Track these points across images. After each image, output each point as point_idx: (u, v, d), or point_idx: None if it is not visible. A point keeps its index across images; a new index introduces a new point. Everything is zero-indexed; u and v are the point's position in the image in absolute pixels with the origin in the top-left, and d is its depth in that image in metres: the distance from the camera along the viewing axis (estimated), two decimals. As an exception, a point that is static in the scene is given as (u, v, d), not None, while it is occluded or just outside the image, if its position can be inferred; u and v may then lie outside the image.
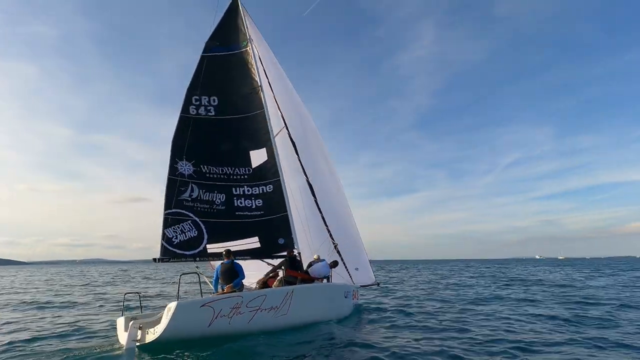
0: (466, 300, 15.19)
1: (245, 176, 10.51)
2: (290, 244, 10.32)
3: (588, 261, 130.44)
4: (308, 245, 11.47)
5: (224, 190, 10.29)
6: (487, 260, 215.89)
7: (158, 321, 7.34)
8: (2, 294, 20.49)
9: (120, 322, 7.71)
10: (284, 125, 11.76)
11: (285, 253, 10.17)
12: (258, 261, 10.94)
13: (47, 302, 15.58)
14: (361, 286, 13.08)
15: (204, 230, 9.89)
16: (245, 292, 8.23)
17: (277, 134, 11.54)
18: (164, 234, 9.59)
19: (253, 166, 10.60)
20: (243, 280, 8.56)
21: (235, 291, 8.05)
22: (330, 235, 11.81)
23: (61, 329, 9.51)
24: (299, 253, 10.37)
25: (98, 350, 7.08)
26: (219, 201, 10.17)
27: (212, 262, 10.20)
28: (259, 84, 11.26)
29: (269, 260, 10.78)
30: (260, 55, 11.96)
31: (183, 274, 8.34)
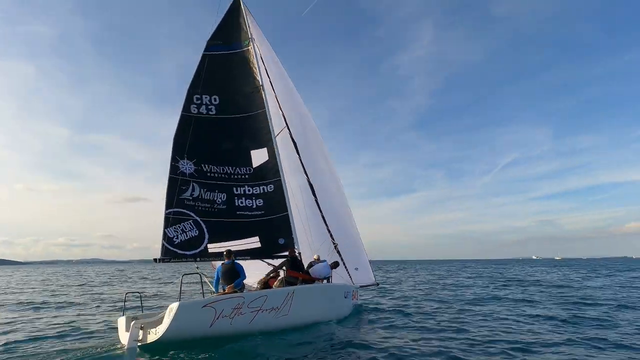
0: (464, 301, 15.27)
1: (246, 176, 10.55)
2: (290, 244, 10.37)
3: (585, 262, 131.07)
4: (308, 245, 11.52)
5: (225, 190, 10.31)
6: (484, 261, 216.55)
7: (159, 321, 7.39)
8: (-2, 294, 20.39)
9: (121, 321, 7.73)
10: (285, 125, 11.76)
11: (286, 253, 10.21)
12: (258, 261, 10.90)
13: (43, 303, 15.56)
14: (361, 286, 13.10)
15: (205, 230, 9.91)
16: (246, 292, 8.29)
17: (278, 134, 11.55)
18: (164, 234, 9.59)
19: (254, 166, 10.64)
20: (244, 280, 8.60)
21: (236, 291, 8.11)
22: (331, 235, 11.85)
23: (58, 329, 9.55)
24: (299, 253, 10.42)
25: (99, 350, 7.12)
26: (220, 200, 10.19)
27: (213, 263, 10.16)
28: (261, 83, 11.31)
29: (269, 261, 10.74)
30: (262, 54, 11.98)
31: (185, 274, 8.35)
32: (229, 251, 8.86)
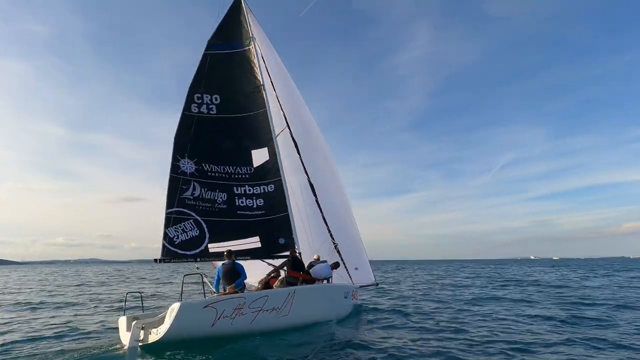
0: (463, 301, 15.33)
1: (247, 175, 10.60)
2: (290, 243, 10.44)
3: (582, 262, 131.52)
4: (309, 245, 11.54)
5: (225, 189, 10.36)
6: (482, 261, 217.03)
7: (160, 321, 7.44)
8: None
9: (122, 321, 7.76)
10: (285, 124, 11.77)
11: (287, 253, 10.26)
12: (258, 261, 10.91)
13: (41, 303, 15.53)
14: (360, 286, 13.14)
15: (206, 230, 9.95)
16: (247, 293, 8.35)
17: (279, 134, 11.57)
18: (165, 234, 9.61)
19: (254, 165, 10.69)
20: (245, 280, 8.65)
21: (237, 292, 8.16)
22: (331, 235, 11.87)
23: (57, 330, 9.58)
24: (299, 253, 10.44)
25: (100, 350, 7.16)
26: (221, 200, 10.24)
27: (214, 263, 10.17)
28: (261, 82, 11.35)
29: (270, 261, 10.76)
30: (263, 53, 12.00)
31: (186, 274, 8.37)
32: (229, 251, 8.90)
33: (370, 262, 14.20)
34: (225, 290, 8.38)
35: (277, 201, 10.57)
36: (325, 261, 10.72)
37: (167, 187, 9.96)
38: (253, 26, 11.86)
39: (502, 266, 71.73)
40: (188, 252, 9.69)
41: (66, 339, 8.53)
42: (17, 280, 35.87)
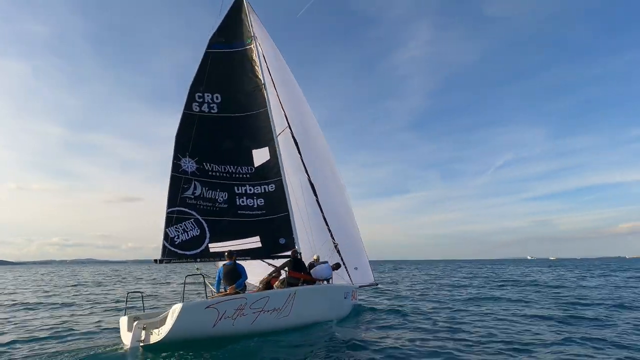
0: (461, 301, 15.42)
1: (248, 175, 10.63)
2: (291, 244, 10.49)
3: (579, 262, 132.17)
4: (309, 245, 11.57)
5: (226, 189, 10.39)
6: (480, 261, 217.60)
7: (162, 321, 7.48)
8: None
9: (123, 321, 7.80)
10: (287, 124, 11.79)
11: (287, 253, 10.31)
12: (258, 261, 10.91)
13: (38, 303, 15.46)
14: (360, 286, 13.19)
15: (207, 229, 9.97)
16: (249, 293, 8.40)
17: (280, 134, 11.58)
18: (165, 234, 9.61)
19: (255, 165, 10.72)
20: (245, 280, 8.69)
21: (238, 292, 8.21)
22: (331, 235, 11.90)
23: (55, 330, 9.59)
24: (300, 253, 10.45)
25: (101, 350, 7.19)
26: (222, 199, 10.27)
27: (217, 263, 10.17)
28: (263, 81, 11.36)
29: (270, 261, 10.77)
30: (265, 53, 12.01)
31: (188, 275, 8.36)
32: (230, 252, 8.93)
33: (369, 262, 14.22)
34: (226, 290, 8.41)
35: (278, 201, 10.61)
36: (326, 262, 10.77)
37: (167, 186, 9.95)
38: (255, 25, 11.88)
39: (500, 266, 72.00)
40: (188, 252, 9.70)
41: (64, 339, 8.55)
42: (12, 280, 35.70)
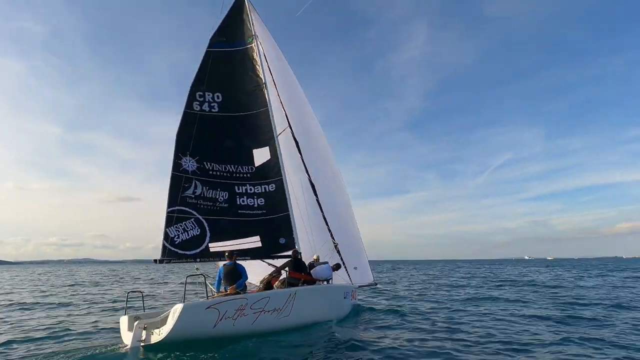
0: (459, 301, 15.46)
1: (248, 174, 10.64)
2: (291, 243, 10.52)
3: (576, 262, 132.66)
4: (309, 245, 11.57)
5: (226, 188, 10.41)
6: (477, 261, 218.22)
7: (162, 321, 7.50)
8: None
9: (124, 321, 7.82)
10: (287, 124, 11.79)
11: (287, 253, 10.34)
12: (258, 262, 10.88)
13: (35, 303, 15.42)
14: (359, 286, 13.19)
15: (207, 229, 9.98)
16: (249, 294, 8.43)
17: (280, 133, 11.57)
18: (166, 234, 9.60)
19: (256, 165, 10.73)
20: (246, 281, 8.72)
21: (238, 292, 8.24)
22: (331, 235, 11.90)
23: (52, 330, 9.59)
24: (300, 253, 10.46)
25: (102, 350, 7.20)
26: (222, 199, 10.29)
27: (218, 263, 10.14)
28: (264, 81, 11.38)
29: (270, 261, 10.78)
30: (266, 52, 12.05)
31: (189, 275, 8.37)
32: (230, 252, 8.94)
33: (368, 262, 14.20)
34: (226, 290, 8.42)
35: (278, 201, 10.63)
36: (326, 262, 10.77)
37: (165, 186, 9.94)
38: (256, 24, 11.90)
39: (498, 266, 72.20)
40: (188, 252, 9.70)
41: (62, 339, 8.55)
42: (9, 280, 35.56)
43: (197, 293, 16.13)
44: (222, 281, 8.65)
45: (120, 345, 7.38)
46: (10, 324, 10.68)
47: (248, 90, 11.17)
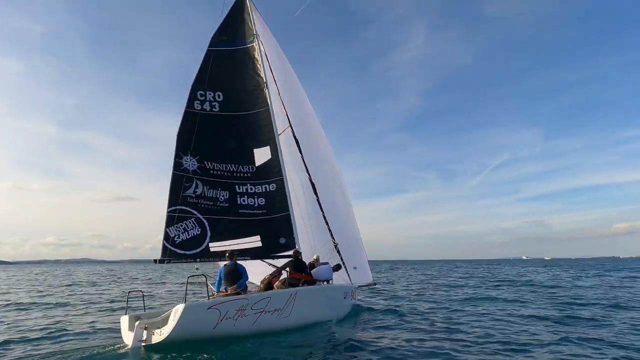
0: (457, 301, 15.49)
1: (249, 174, 10.67)
2: (291, 243, 10.55)
3: (574, 261, 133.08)
4: (309, 245, 11.58)
5: (227, 188, 10.44)
6: (475, 261, 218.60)
7: (163, 321, 7.53)
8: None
9: (124, 320, 7.85)
10: (288, 124, 11.79)
11: (287, 253, 10.39)
12: (260, 262, 10.86)
13: (32, 303, 15.37)
14: (359, 286, 13.21)
15: (208, 228, 10.00)
16: (250, 294, 8.46)
17: (281, 133, 11.57)
18: (166, 233, 9.60)
19: (257, 164, 10.77)
20: (247, 281, 8.75)
21: (239, 292, 8.28)
22: (332, 235, 11.90)
23: (51, 330, 9.57)
24: (300, 253, 10.46)
25: (103, 350, 7.22)
26: (223, 198, 10.32)
27: (218, 263, 10.13)
28: (265, 80, 11.39)
29: (270, 261, 10.81)
30: (267, 51, 12.06)
31: (190, 276, 8.34)
32: (231, 252, 8.93)
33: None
34: (226, 291, 8.43)
35: (279, 200, 10.68)
36: (327, 263, 10.77)
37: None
38: (257, 23, 11.91)
39: (495, 266, 72.35)
40: (188, 252, 9.71)
41: (59, 339, 8.53)
42: (6, 280, 35.43)
43: (194, 293, 16.10)
44: (223, 281, 8.67)
45: (121, 345, 7.40)
46: (7, 324, 10.64)
47: (249, 90, 11.20)
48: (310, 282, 10.05)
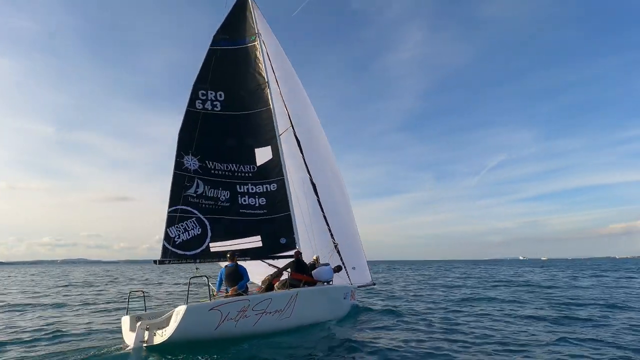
0: (455, 301, 15.56)
1: (250, 174, 10.68)
2: (292, 243, 10.57)
3: (570, 262, 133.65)
4: (310, 245, 11.56)
5: (228, 187, 10.45)
6: (472, 261, 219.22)
7: (164, 322, 7.55)
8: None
9: (125, 321, 7.84)
10: (290, 124, 11.80)
11: (288, 253, 10.42)
12: (260, 262, 10.83)
13: (27, 304, 15.26)
14: (358, 286, 13.25)
15: (208, 228, 10.00)
16: (251, 295, 8.49)
17: (282, 133, 11.57)
18: (166, 233, 9.59)
19: (258, 164, 10.77)
20: (248, 282, 8.79)
21: (240, 293, 8.31)
22: (332, 235, 11.92)
23: (44, 331, 9.55)
24: (300, 253, 10.47)
25: (104, 350, 7.24)
26: (224, 198, 10.34)
27: (220, 264, 10.09)
28: (266, 79, 11.38)
29: (271, 261, 10.82)
30: (269, 50, 12.08)
31: (192, 277, 8.35)
32: (232, 253, 8.93)
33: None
34: (227, 292, 8.46)
35: (279, 200, 10.70)
36: (327, 264, 10.77)
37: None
38: (259, 22, 11.90)
39: (493, 267, 72.55)
40: (188, 253, 9.70)
41: (61, 340, 8.50)
42: (1, 280, 35.22)
43: (196, 294, 16.02)
44: (224, 282, 8.69)
45: (123, 346, 7.42)
46: (3, 325, 10.57)
47: (251, 89, 11.20)
48: (311, 283, 10.10)
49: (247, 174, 10.60)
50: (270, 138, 10.95)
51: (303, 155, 11.87)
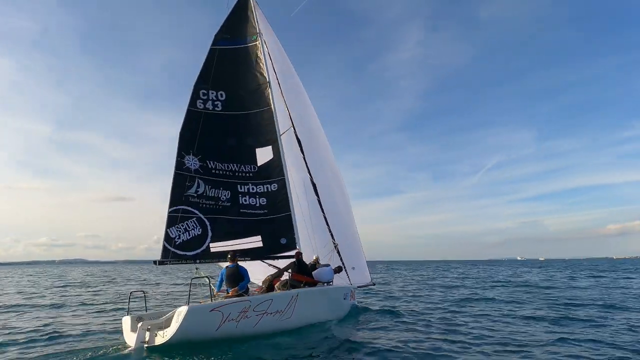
0: (453, 301, 15.62)
1: (251, 174, 10.72)
2: (292, 243, 10.63)
3: (568, 262, 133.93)
4: (310, 245, 11.63)
5: (229, 187, 10.49)
6: (470, 261, 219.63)
7: (166, 323, 7.59)
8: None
9: (126, 321, 7.88)
10: (291, 124, 11.82)
11: (288, 253, 10.48)
12: (260, 262, 10.83)
13: (24, 305, 15.22)
14: (358, 286, 13.29)
15: (209, 228, 10.03)
16: (252, 296, 8.54)
17: (283, 133, 11.58)
18: (166, 234, 9.61)
19: (259, 164, 10.82)
20: (249, 282, 8.83)
21: (240, 294, 8.35)
22: (332, 235, 11.93)
23: (49, 332, 9.54)
24: (301, 253, 10.47)
25: (105, 351, 7.27)
26: (225, 198, 10.38)
27: (220, 264, 10.08)
28: (267, 79, 11.42)
29: (271, 262, 10.85)
30: (270, 50, 12.10)
31: (194, 277, 8.33)
32: (233, 254, 8.94)
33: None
34: (228, 292, 8.49)
35: (280, 200, 10.76)
36: (328, 265, 10.79)
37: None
38: (260, 22, 11.93)
39: (491, 267, 72.74)
40: (189, 253, 9.73)
41: (60, 341, 8.50)
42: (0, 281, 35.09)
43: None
44: (225, 283, 8.73)
45: (124, 346, 7.45)
46: (7, 325, 10.54)
47: (252, 89, 11.24)
48: (312, 283, 10.16)
49: (247, 174, 10.64)
50: (271, 138, 10.99)
51: (304, 156, 11.90)
